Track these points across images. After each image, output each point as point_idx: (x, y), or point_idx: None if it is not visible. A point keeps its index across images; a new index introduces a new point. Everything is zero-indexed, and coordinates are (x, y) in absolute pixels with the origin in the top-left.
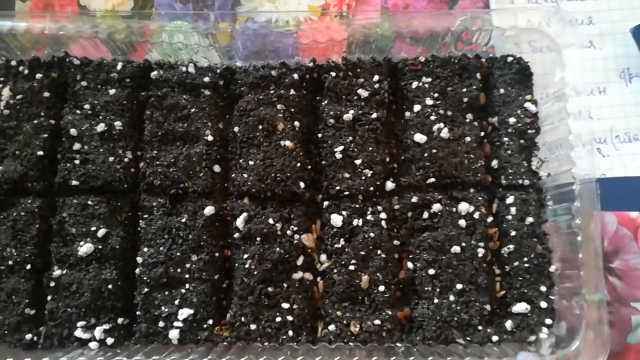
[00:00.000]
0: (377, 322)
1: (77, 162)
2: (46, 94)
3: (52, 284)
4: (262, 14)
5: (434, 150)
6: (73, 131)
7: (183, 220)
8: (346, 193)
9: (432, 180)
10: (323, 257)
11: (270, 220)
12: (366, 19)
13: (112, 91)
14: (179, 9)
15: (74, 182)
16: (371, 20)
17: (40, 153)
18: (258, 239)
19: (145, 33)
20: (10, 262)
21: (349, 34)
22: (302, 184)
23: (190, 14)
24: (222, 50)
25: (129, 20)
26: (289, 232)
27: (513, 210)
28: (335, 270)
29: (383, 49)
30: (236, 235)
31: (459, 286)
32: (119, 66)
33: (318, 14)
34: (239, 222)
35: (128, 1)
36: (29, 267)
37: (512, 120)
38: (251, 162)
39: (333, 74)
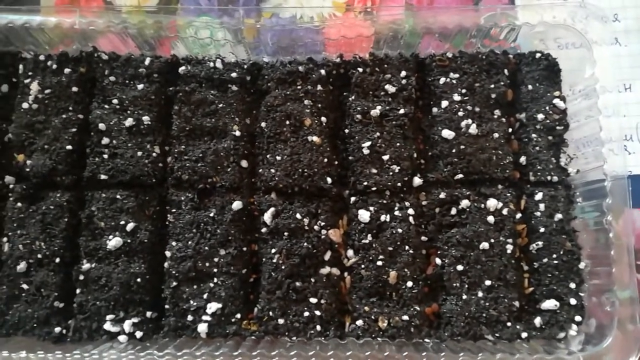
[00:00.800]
0: (405, 317)
1: (105, 156)
2: (74, 89)
3: (81, 277)
4: (286, 10)
5: (462, 146)
6: (102, 126)
7: (211, 214)
8: (373, 188)
9: (460, 176)
10: (350, 252)
11: (298, 215)
12: (391, 15)
13: (140, 86)
14: (204, 5)
15: (103, 176)
16: (396, 16)
17: (69, 147)
18: (285, 233)
19: (173, 28)
20: (39, 256)
21: (375, 30)
22: (329, 179)
23: (216, 9)
24: (248, 46)
25: (155, 15)
26: (316, 227)
27: (542, 206)
28: (362, 266)
29: (411, 45)
30: (263, 230)
31: (488, 282)
32: (147, 61)
33: (342, 10)
34: (267, 217)
35: None
36: (58, 260)
37: (540, 116)
38: (278, 157)
39: (360, 69)
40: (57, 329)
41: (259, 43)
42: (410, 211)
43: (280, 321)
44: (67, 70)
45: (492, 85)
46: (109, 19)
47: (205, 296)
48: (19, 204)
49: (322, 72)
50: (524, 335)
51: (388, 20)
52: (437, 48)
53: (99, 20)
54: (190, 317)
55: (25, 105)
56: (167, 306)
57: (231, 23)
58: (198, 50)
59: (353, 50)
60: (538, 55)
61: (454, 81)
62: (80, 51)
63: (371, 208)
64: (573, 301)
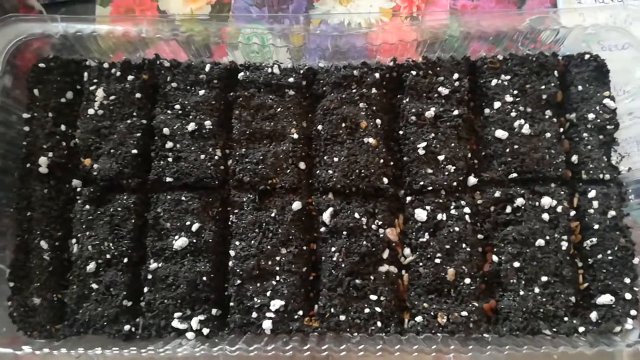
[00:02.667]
0: (464, 313)
1: (170, 159)
2: (138, 95)
3: (149, 276)
4: (334, 16)
5: (515, 146)
6: (166, 130)
7: (272, 214)
8: (429, 188)
9: (514, 175)
10: (407, 250)
11: (356, 215)
12: (436, 20)
13: (201, 92)
14: (255, 13)
15: (168, 179)
16: (440, 21)
17: (135, 151)
18: (344, 232)
19: (222, 36)
20: (108, 256)
21: (419, 35)
22: (385, 180)
23: (266, 17)
24: (296, 52)
25: (207, 23)
26: (374, 226)
27: (595, 204)
28: (421, 264)
29: (456, 48)
30: (322, 229)
31: (544, 278)
32: (207, 68)
33: (389, 16)
34: (326, 216)
35: (206, 6)
36: (125, 260)
37: (591, 116)
38: (335, 159)
39: (414, 72)
40: (127, 327)
41: (308, 49)
42: (466, 210)
43: (342, 318)
44: (130, 77)
45: (543, 87)
46: (159, 27)
47: (268, 294)
48: (87, 207)
49: (377, 75)
50: (581, 329)
51: (433, 25)
52: (484, 51)
53: (151, 28)
54: (254, 314)
55: (91, 111)
56: (231, 303)
57: (279, 30)
58: (254, 56)
59: (400, 54)
60: (587, 56)
61: (505, 83)
62: (143, 59)
63: (427, 207)
64: (628, 296)
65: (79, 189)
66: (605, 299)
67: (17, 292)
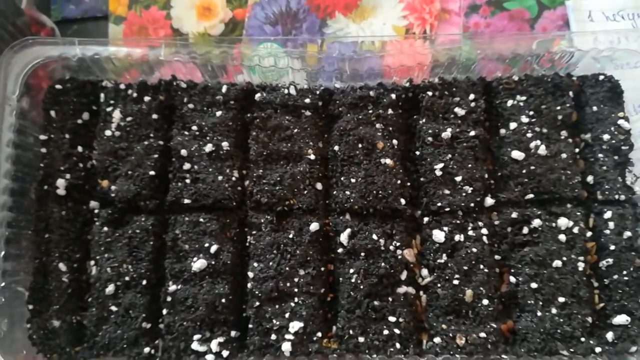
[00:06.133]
0: (482, 334)
1: (187, 181)
2: (154, 116)
3: (168, 298)
4: (348, 36)
5: (532, 167)
6: (183, 152)
7: (290, 235)
8: (447, 209)
9: (531, 196)
10: (424, 271)
11: (374, 236)
12: (449, 40)
13: (218, 113)
14: (269, 31)
15: (186, 201)
16: (453, 41)
17: (152, 173)
18: (362, 254)
19: (237, 57)
20: (127, 278)
21: (432, 56)
22: (402, 201)
23: (280, 35)
24: (312, 73)
25: (221, 43)
26: (391, 247)
27: (611, 224)
28: (439, 285)
29: (468, 69)
30: (340, 250)
31: (561, 299)
32: (224, 89)
33: (402, 35)
34: (343, 237)
35: (219, 24)
36: (144, 282)
37: (606, 137)
38: (352, 180)
39: (430, 93)
40: (147, 349)
41: (320, 69)
42: (484, 231)
43: (361, 339)
44: (146, 98)
45: (558, 107)
46: (175, 50)
47: (287, 315)
48: (105, 229)
49: (393, 96)
50: (598, 349)
51: (446, 45)
52: (494, 71)
53: (167, 50)
54: (273, 336)
55: (108, 132)
56: (250, 325)
57: (294, 51)
58: (270, 75)
59: (416, 74)
60: (601, 77)
61: (521, 103)
62: (159, 79)
63: (445, 228)
64: None
65: (96, 211)
66: (621, 319)
67: (36, 314)
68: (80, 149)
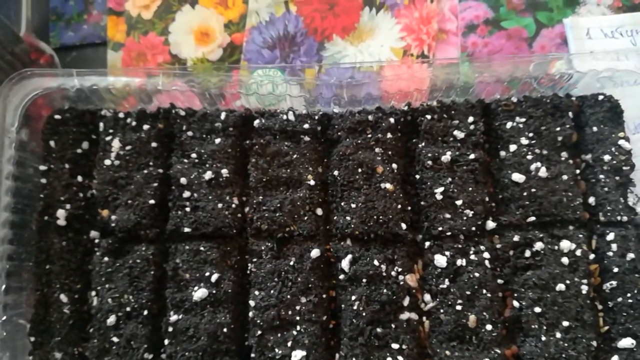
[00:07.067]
0: None
1: (187, 209)
2: (154, 144)
3: (170, 329)
4: (345, 58)
5: (533, 189)
6: (183, 180)
7: (291, 263)
8: (448, 233)
9: (533, 218)
10: (427, 297)
11: (375, 262)
12: (447, 61)
13: (217, 140)
14: (267, 55)
15: (186, 229)
16: (452, 63)
17: (152, 202)
18: (364, 280)
19: (235, 84)
20: (128, 309)
21: (430, 80)
22: (403, 225)
23: (278, 66)
24: (309, 98)
25: (219, 69)
26: (393, 273)
27: (614, 246)
28: (442, 310)
29: (466, 92)
30: (342, 276)
31: (565, 323)
32: (223, 116)
33: (400, 57)
34: (345, 264)
35: (217, 49)
36: (145, 312)
37: (607, 157)
38: (353, 205)
39: (428, 116)
40: None
41: (318, 95)
42: (486, 255)
43: None
44: (145, 127)
45: (558, 128)
46: (173, 79)
47: (289, 344)
48: (106, 259)
49: (392, 120)
50: None
51: (446, 70)
52: (496, 92)
53: (165, 79)
54: None
55: (107, 162)
56: (253, 355)
57: (292, 78)
58: (267, 102)
59: (414, 98)
60: (600, 97)
61: (521, 125)
62: (158, 108)
63: (447, 253)
64: None
65: (97, 241)
66: (627, 342)
67: (38, 346)
68: (80, 178)
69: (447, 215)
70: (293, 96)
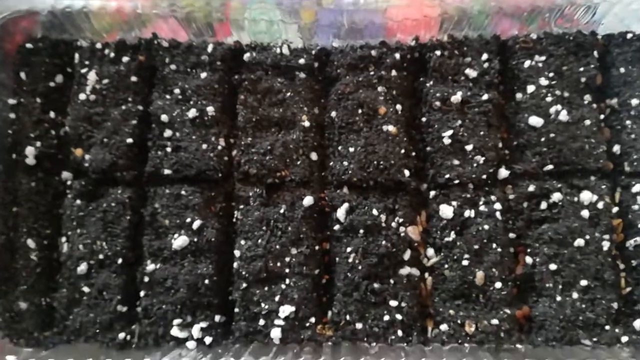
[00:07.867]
0: (495, 321)
1: (168, 150)
2: (134, 79)
3: (146, 279)
4: None
5: (551, 135)
6: (164, 117)
7: (281, 211)
8: (456, 182)
9: (550, 167)
10: (430, 251)
11: (374, 212)
12: None
13: (203, 75)
14: None
15: (167, 172)
16: None
17: (130, 141)
18: (361, 231)
19: (226, 12)
20: (100, 256)
21: (442, 11)
22: (406, 172)
23: None
24: (307, 30)
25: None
26: (393, 224)
27: (639, 199)
28: (446, 266)
29: (480, 26)
30: (336, 227)
31: (584, 282)
32: (210, 48)
33: None
34: (340, 213)
35: None
36: (120, 261)
37: (634, 101)
38: (351, 149)
39: (438, 52)
40: (121, 335)
41: (320, 26)
42: (497, 206)
43: (358, 326)
44: (125, 59)
45: (581, 69)
46: (156, 3)
47: (277, 299)
48: (78, 202)
49: (397, 56)
50: (624, 339)
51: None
52: (513, 29)
53: (146, 4)
54: (262, 322)
55: (82, 96)
56: (236, 309)
57: (289, 5)
58: (261, 36)
59: (423, 32)
60: (629, 35)
61: (540, 64)
62: (139, 38)
63: (454, 203)
64: None
65: (69, 182)
66: None
67: (1, 295)
68: (52, 114)
69: (456, 162)
70: (288, 23)
